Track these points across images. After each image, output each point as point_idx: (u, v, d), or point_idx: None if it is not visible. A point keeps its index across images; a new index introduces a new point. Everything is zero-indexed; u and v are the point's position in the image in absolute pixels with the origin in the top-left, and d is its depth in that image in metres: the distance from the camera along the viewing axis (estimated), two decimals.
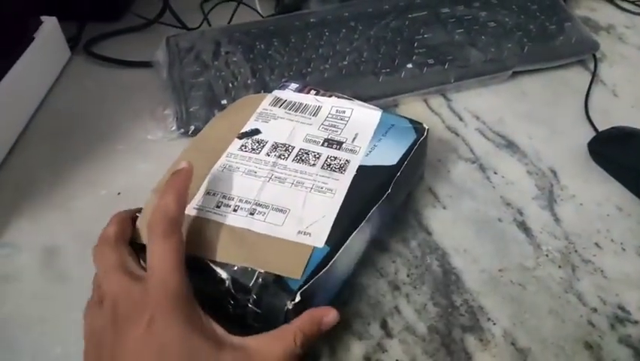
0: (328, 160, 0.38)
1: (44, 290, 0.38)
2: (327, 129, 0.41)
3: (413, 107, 0.51)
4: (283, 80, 0.47)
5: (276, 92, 0.45)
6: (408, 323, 0.36)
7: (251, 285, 0.32)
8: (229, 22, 0.62)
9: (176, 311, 0.28)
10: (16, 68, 0.49)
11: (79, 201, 0.44)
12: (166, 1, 0.60)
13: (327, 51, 0.54)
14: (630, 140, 0.44)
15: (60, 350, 0.35)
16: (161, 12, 0.60)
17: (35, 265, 0.40)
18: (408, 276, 0.38)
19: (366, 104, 0.43)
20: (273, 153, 0.39)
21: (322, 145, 0.39)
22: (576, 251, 0.39)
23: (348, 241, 0.34)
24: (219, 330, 0.30)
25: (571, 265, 0.38)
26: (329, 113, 0.42)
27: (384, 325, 0.36)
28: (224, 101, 0.50)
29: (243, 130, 0.41)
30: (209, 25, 0.62)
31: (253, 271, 0.32)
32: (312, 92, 0.44)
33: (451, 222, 0.41)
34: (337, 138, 0.40)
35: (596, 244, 0.40)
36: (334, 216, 0.35)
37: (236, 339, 0.30)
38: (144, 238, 0.33)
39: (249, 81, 0.51)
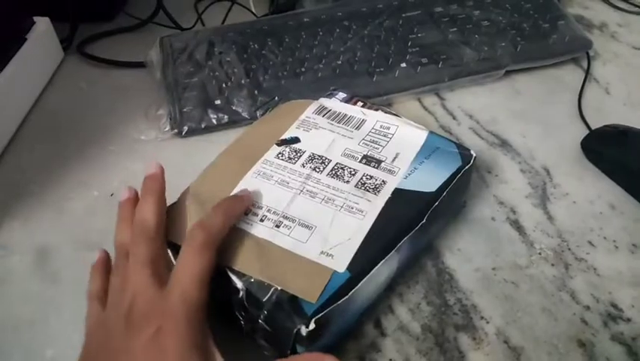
0: (363, 178, 0.37)
1: (36, 292, 0.38)
2: (367, 145, 0.39)
3: (407, 106, 0.51)
4: (332, 88, 0.46)
5: (322, 100, 0.44)
6: (402, 323, 0.36)
7: (264, 300, 0.31)
8: (223, 22, 0.62)
9: (186, 332, 0.28)
10: (8, 68, 0.49)
11: (71, 203, 0.44)
12: (160, 1, 0.59)
13: (321, 51, 0.54)
14: (623, 138, 0.44)
15: (51, 353, 0.35)
16: (155, 12, 0.60)
17: (27, 266, 0.40)
18: (401, 275, 0.38)
19: (413, 123, 0.41)
20: (308, 165, 0.38)
21: (360, 162, 0.38)
22: (569, 249, 0.39)
23: (373, 271, 0.32)
24: (215, 354, 0.29)
25: (564, 263, 0.38)
26: (372, 128, 0.41)
27: (377, 324, 0.36)
28: (217, 102, 0.50)
29: (282, 137, 0.40)
30: (203, 25, 0.62)
31: (269, 286, 0.31)
32: (359, 103, 0.43)
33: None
34: (377, 156, 0.38)
35: (589, 242, 0.40)
36: (360, 240, 0.33)
37: None
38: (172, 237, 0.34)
39: (242, 81, 0.51)
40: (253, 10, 0.63)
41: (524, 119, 0.49)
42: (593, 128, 0.47)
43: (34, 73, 0.53)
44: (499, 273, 0.38)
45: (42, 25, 0.54)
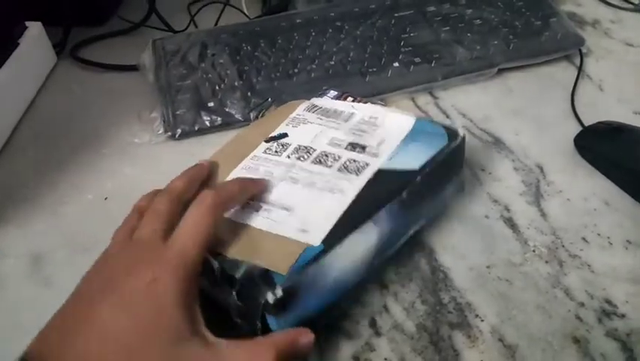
0: (347, 162, 0.37)
1: (30, 296, 0.38)
2: (354, 133, 0.39)
3: (400, 105, 0.51)
4: (324, 87, 0.46)
5: (314, 100, 0.44)
6: (396, 322, 0.36)
7: (237, 277, 0.31)
8: (215, 24, 0.62)
9: (178, 288, 0.28)
10: (1, 73, 0.49)
11: (66, 206, 0.44)
12: (152, 4, 0.59)
13: (313, 51, 0.54)
14: (617, 134, 0.44)
15: None
16: (147, 15, 0.60)
17: (21, 270, 0.39)
18: (396, 274, 0.38)
19: (401, 111, 0.42)
20: (293, 155, 0.38)
21: (345, 148, 0.38)
22: (563, 246, 0.39)
23: (346, 241, 0.33)
24: (200, 319, 0.29)
25: (558, 260, 0.38)
26: (360, 119, 0.41)
27: (372, 323, 0.36)
28: (210, 104, 0.50)
29: (271, 134, 0.41)
30: (196, 27, 0.62)
31: (242, 262, 0.32)
32: (349, 99, 0.43)
33: (438, 219, 0.41)
34: (362, 143, 0.38)
35: (583, 239, 0.40)
36: (338, 216, 0.33)
37: (210, 335, 0.29)
38: None
39: (235, 83, 0.51)
40: (246, 11, 0.63)
41: (517, 116, 0.49)
42: (586, 125, 0.47)
43: (27, 77, 0.53)
44: (493, 271, 0.38)
45: (34, 29, 0.54)
